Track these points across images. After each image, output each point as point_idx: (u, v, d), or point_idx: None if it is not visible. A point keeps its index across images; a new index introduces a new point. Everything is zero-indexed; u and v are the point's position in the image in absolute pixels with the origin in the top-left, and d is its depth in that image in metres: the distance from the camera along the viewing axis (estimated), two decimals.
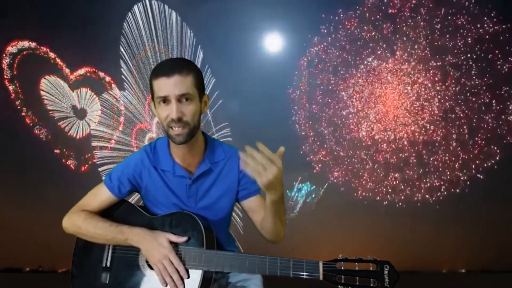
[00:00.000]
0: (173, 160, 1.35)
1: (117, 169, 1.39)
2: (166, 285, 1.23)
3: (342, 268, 1.11)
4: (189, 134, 1.26)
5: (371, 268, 1.10)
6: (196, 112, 1.27)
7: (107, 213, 1.38)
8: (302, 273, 1.13)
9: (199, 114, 1.30)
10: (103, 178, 1.42)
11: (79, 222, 1.34)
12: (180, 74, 1.22)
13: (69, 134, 14.53)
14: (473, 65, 14.26)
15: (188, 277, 1.23)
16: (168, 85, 1.22)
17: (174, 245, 1.26)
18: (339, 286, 1.11)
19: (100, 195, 1.38)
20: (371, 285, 1.09)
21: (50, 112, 14.42)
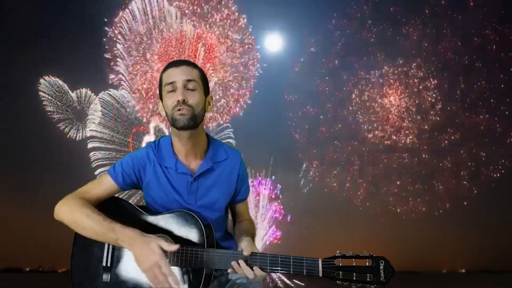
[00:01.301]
0: (176, 158, 1.39)
1: (123, 160, 1.41)
2: None
3: (340, 264, 1.16)
4: (191, 118, 1.30)
5: (367, 264, 1.15)
6: (200, 102, 1.34)
7: (106, 211, 1.33)
8: (302, 270, 1.17)
9: (203, 106, 1.36)
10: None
11: (74, 208, 1.30)
12: (188, 65, 1.36)
13: (68, 135, 14.55)
14: (481, 67, 14.14)
15: (178, 284, 1.20)
16: (176, 72, 1.33)
17: (175, 241, 1.27)
18: (337, 281, 1.15)
19: (103, 184, 1.38)
20: (368, 280, 1.13)
21: (49, 113, 14.43)
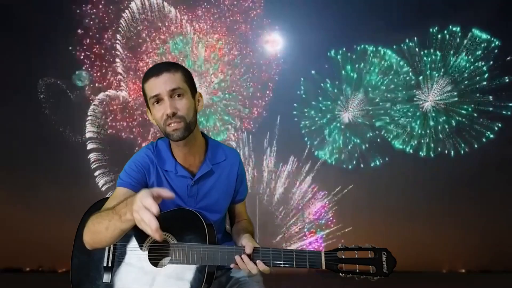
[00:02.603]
0: (175, 161, 1.38)
1: (125, 168, 1.39)
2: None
3: (343, 257, 1.17)
4: (185, 129, 1.27)
5: (369, 256, 1.15)
6: (190, 107, 1.29)
7: None
8: (305, 263, 1.18)
9: (194, 110, 1.32)
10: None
11: (88, 225, 1.22)
12: (169, 71, 1.27)
13: (68, 136, 14.55)
14: None
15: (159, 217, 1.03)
16: (158, 84, 1.25)
17: (178, 240, 1.28)
18: (340, 274, 1.15)
19: (118, 196, 1.29)
20: (370, 271, 1.14)
21: (49, 114, 14.43)
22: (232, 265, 1.22)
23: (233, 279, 1.41)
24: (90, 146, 14.60)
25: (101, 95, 14.60)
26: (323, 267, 1.17)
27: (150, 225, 0.99)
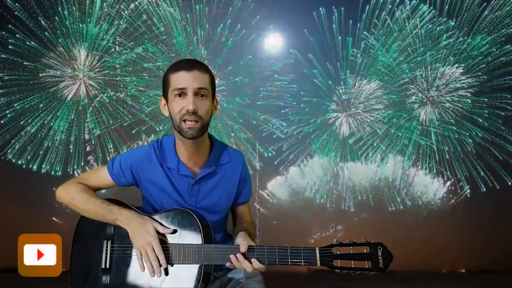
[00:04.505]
0: (178, 159, 1.38)
1: (122, 157, 1.42)
2: (144, 270, 1.27)
3: (338, 252, 1.16)
4: (200, 129, 1.28)
5: (365, 251, 1.15)
6: (209, 110, 1.31)
7: None
8: (300, 260, 1.17)
9: (211, 113, 1.34)
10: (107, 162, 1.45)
11: (74, 193, 1.37)
12: (200, 70, 1.29)
13: (66, 136, 14.58)
14: None
15: (166, 268, 1.27)
16: (187, 78, 1.26)
17: (174, 240, 1.29)
18: (336, 270, 1.15)
19: (100, 176, 1.43)
20: (366, 267, 1.13)
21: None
22: (227, 264, 1.22)
23: (233, 279, 1.41)
24: (89, 147, 14.64)
25: (100, 96, 14.60)
26: (318, 263, 1.16)
27: (156, 274, 1.25)
